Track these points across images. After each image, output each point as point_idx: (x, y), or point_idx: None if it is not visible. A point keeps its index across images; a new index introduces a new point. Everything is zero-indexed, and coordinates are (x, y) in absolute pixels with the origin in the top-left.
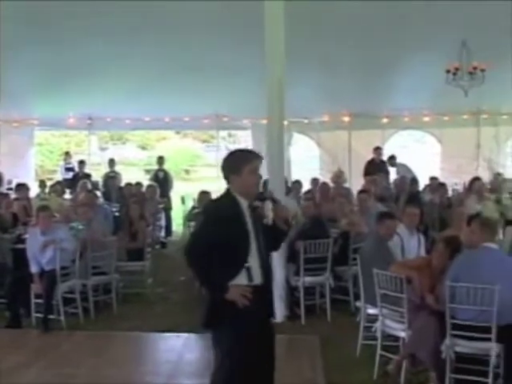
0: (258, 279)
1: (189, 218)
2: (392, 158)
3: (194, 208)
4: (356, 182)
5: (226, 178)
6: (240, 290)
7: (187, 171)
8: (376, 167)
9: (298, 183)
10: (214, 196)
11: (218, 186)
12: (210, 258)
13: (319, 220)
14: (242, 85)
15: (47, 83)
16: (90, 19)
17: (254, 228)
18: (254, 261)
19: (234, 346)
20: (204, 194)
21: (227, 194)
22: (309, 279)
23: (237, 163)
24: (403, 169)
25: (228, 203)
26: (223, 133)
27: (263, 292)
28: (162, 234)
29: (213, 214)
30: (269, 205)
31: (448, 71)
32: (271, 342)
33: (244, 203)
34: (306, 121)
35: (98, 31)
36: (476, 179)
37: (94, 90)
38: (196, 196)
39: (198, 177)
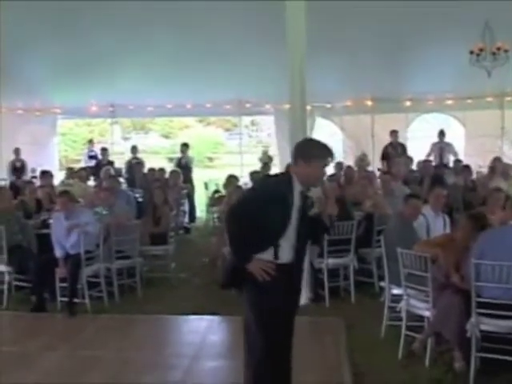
0: (285, 258)
1: (212, 203)
2: (441, 132)
3: (216, 192)
4: (379, 166)
5: (294, 159)
6: (262, 264)
7: (210, 159)
8: (394, 149)
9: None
10: (240, 182)
11: (240, 173)
12: (246, 225)
13: (343, 202)
14: (264, 70)
15: (69, 71)
16: (112, 7)
17: (299, 214)
18: (286, 242)
19: (256, 317)
20: (232, 178)
21: (286, 174)
22: (333, 261)
23: (311, 152)
24: (449, 148)
25: (283, 183)
26: (246, 120)
27: (289, 272)
28: (186, 219)
29: (265, 187)
30: (320, 198)
31: (471, 52)
32: (292, 322)
33: (298, 188)
34: (328, 105)
35: (119, 19)
36: (498, 159)
37: (116, 78)
38: (219, 182)
39: (221, 164)
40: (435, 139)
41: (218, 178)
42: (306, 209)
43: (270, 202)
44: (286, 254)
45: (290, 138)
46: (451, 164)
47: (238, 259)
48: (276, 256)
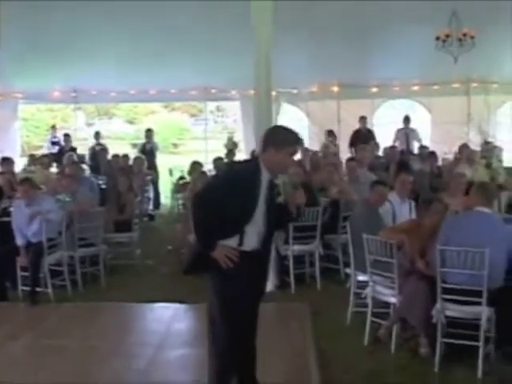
0: (250, 245)
1: (176, 189)
2: (407, 118)
3: (181, 178)
4: (345, 152)
5: (264, 146)
6: (226, 250)
7: (175, 145)
8: (362, 137)
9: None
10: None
11: (205, 159)
12: (211, 212)
13: (309, 188)
14: (230, 55)
15: (30, 55)
16: None
17: (266, 202)
18: (253, 229)
19: (219, 305)
20: (196, 165)
21: (254, 161)
22: (298, 248)
23: (281, 140)
24: (414, 134)
25: (250, 170)
26: (212, 106)
27: (254, 259)
28: (150, 206)
29: (231, 174)
30: (288, 186)
31: (438, 38)
32: (255, 310)
33: (266, 176)
34: (294, 91)
35: (82, 3)
36: (465, 145)
37: (79, 63)
38: (184, 168)
39: (186, 150)
40: (401, 125)
41: (183, 164)
42: (273, 197)
43: (236, 189)
44: (251, 241)
45: (255, 123)
46: (416, 150)
47: (202, 246)
48: (241, 243)
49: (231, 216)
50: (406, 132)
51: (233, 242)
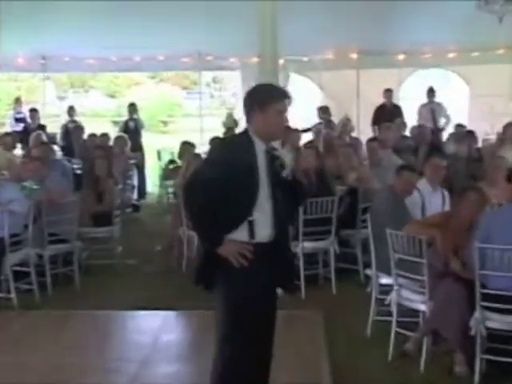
0: (264, 236)
1: (166, 175)
2: (431, 90)
3: (171, 162)
4: (366, 132)
5: (247, 114)
6: (236, 246)
7: (164, 122)
8: (387, 113)
9: (295, 132)
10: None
11: (200, 140)
12: (208, 199)
13: (322, 174)
14: (228, 16)
15: None
16: None
17: (269, 178)
18: (262, 215)
19: (230, 310)
20: (187, 145)
21: (243, 134)
22: (310, 245)
23: (262, 99)
24: (440, 109)
25: (241, 143)
26: (207, 76)
27: (272, 252)
28: (135, 195)
29: (222, 151)
30: (289, 154)
31: None
32: (273, 315)
33: (261, 147)
34: (305, 59)
35: None
36: (510, 124)
37: (49, 24)
38: (174, 150)
39: (178, 129)
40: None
41: (174, 145)
42: (276, 171)
43: (230, 166)
44: (263, 229)
45: None
46: (446, 130)
47: (205, 243)
48: (251, 234)
49: (232, 200)
50: (432, 107)
51: (242, 234)
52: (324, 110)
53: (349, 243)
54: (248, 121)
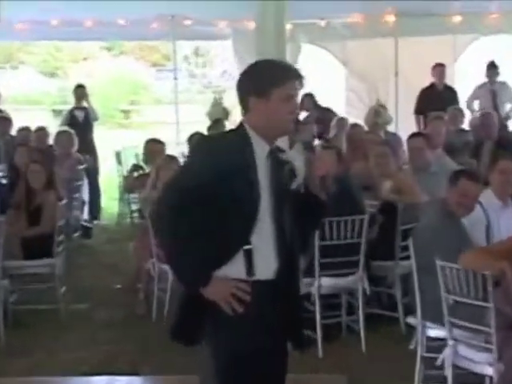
0: (266, 271)
1: (129, 186)
2: (493, 66)
3: (136, 168)
4: (407, 124)
5: (242, 102)
6: (228, 286)
7: (126, 113)
8: (437, 98)
9: (310, 127)
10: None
11: (176, 137)
12: (189, 224)
13: (346, 184)
14: None
15: None
16: None
17: (273, 191)
18: (263, 242)
19: (220, 374)
20: (156, 145)
21: (237, 130)
22: (329, 282)
23: (264, 81)
24: (504, 91)
25: (235, 143)
26: (185, 48)
27: (277, 293)
28: (85, 214)
29: (206, 154)
30: (301, 157)
31: None
32: (279, 381)
33: (262, 147)
34: (322, 23)
35: None
36: None
37: None
38: (140, 151)
39: (145, 121)
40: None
41: (139, 144)
42: (283, 182)
43: (218, 175)
44: (265, 262)
45: None
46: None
47: (184, 282)
48: (249, 268)
49: (222, 222)
50: (493, 89)
51: (235, 270)
52: (307, 98)
53: (384, 280)
54: (244, 111)
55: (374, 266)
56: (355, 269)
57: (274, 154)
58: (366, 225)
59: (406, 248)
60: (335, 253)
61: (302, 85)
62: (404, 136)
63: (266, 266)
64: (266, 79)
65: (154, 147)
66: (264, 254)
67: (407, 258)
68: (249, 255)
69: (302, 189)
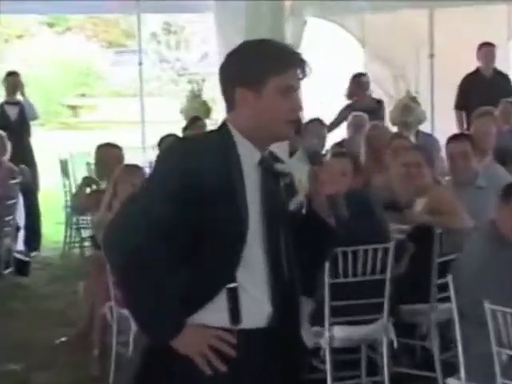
0: (256, 317)
1: (78, 206)
2: None
3: (88, 182)
4: (445, 122)
5: (227, 94)
6: (206, 336)
7: (75, 109)
8: (485, 89)
9: (317, 124)
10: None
11: (141, 140)
12: (155, 256)
13: (364, 203)
14: None
15: None
16: None
17: (263, 210)
18: (252, 279)
19: None
20: (109, 150)
21: (220, 131)
22: (344, 332)
23: (255, 67)
24: None
25: (217, 148)
26: (153, 24)
27: (271, 347)
28: (20, 244)
29: (180, 162)
30: (302, 167)
31: None
32: None
33: (250, 155)
34: None
35: None
36: None
37: None
38: (91, 160)
39: (99, 120)
40: None
41: (91, 150)
42: (279, 200)
43: (194, 190)
44: (254, 305)
45: None
46: None
47: (148, 331)
48: (234, 314)
49: (199, 252)
50: None
51: (216, 315)
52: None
53: (416, 329)
54: (228, 107)
55: (403, 310)
56: (378, 314)
57: (267, 164)
58: (392, 256)
59: (444, 287)
60: (351, 294)
61: (305, 74)
62: (442, 138)
63: (257, 310)
64: (259, 65)
65: (107, 154)
66: (253, 294)
67: (447, 299)
68: (233, 296)
69: (304, 210)
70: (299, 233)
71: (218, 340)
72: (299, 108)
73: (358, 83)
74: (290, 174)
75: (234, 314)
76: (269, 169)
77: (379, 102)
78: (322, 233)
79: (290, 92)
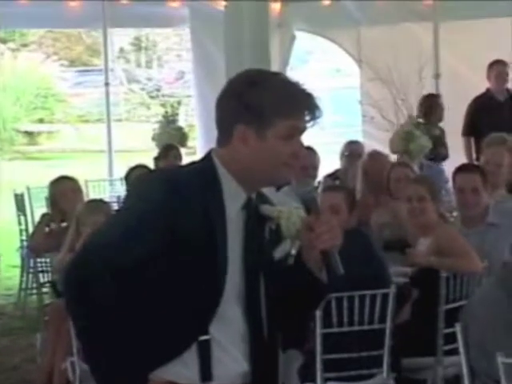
0: (230, 375)
1: (36, 246)
2: None
3: (47, 219)
4: (452, 149)
5: (224, 128)
6: None
7: (31, 136)
8: (496, 113)
9: (309, 153)
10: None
11: (108, 172)
12: (118, 305)
13: (361, 242)
14: None
15: None
16: None
17: (244, 258)
18: (227, 332)
19: None
20: (67, 183)
21: (204, 165)
22: None
23: (264, 105)
24: None
25: (197, 185)
26: (121, 37)
27: None
28: None
29: (152, 199)
30: (295, 211)
31: None
32: None
33: (235, 196)
34: (326, 2)
35: None
36: None
37: None
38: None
39: (60, 149)
40: None
41: (46, 181)
42: (263, 248)
43: (166, 232)
44: (229, 362)
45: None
46: None
47: None
48: (205, 370)
49: (167, 301)
50: None
51: (185, 370)
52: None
53: None
54: (222, 140)
55: (406, 364)
56: (377, 369)
57: (254, 206)
58: (393, 303)
59: (452, 337)
60: (347, 345)
61: (315, 119)
62: (449, 168)
63: (231, 367)
64: (269, 104)
65: (61, 189)
66: (228, 348)
67: (454, 351)
68: (205, 350)
69: (292, 260)
70: (284, 283)
71: None
72: (301, 153)
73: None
74: (276, 219)
75: (205, 370)
76: (254, 212)
77: None
78: (310, 288)
79: (296, 136)
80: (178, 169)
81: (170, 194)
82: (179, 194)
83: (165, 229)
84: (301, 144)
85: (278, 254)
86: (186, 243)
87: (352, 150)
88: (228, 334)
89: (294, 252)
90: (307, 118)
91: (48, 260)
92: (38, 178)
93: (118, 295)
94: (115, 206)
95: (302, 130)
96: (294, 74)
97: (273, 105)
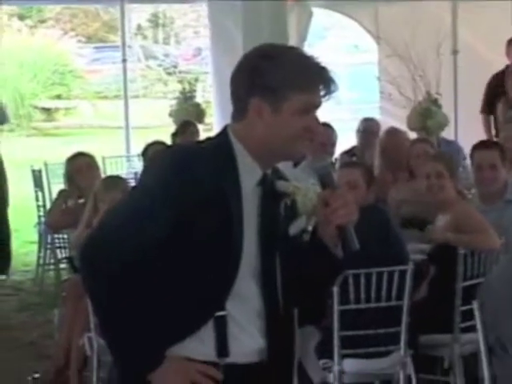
0: (246, 351)
1: (53, 222)
2: None
3: (64, 195)
4: (470, 127)
5: (239, 102)
6: (190, 370)
7: (49, 112)
8: None
9: (326, 129)
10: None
11: (125, 148)
12: (134, 281)
13: (379, 219)
14: None
15: None
16: None
17: (260, 234)
18: (243, 308)
19: None
20: (84, 160)
21: (219, 141)
22: (355, 365)
23: (279, 78)
24: None
25: (213, 160)
26: (138, 14)
27: (263, 383)
28: None
29: (167, 175)
30: (312, 187)
31: None
32: None
33: (251, 171)
34: None
35: None
36: None
37: None
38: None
39: (77, 125)
40: None
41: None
42: (279, 223)
43: (182, 208)
44: (245, 338)
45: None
46: None
47: (124, 362)
48: (222, 346)
49: (183, 277)
50: None
51: (202, 346)
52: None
53: (437, 363)
54: (237, 115)
55: (423, 341)
56: (394, 346)
57: (270, 182)
58: (410, 280)
59: (469, 314)
60: (364, 322)
61: (330, 93)
62: (466, 146)
63: (247, 343)
64: (284, 77)
65: (76, 165)
66: (244, 325)
67: (472, 329)
68: (221, 326)
69: (307, 236)
70: (299, 259)
71: (201, 375)
72: (317, 128)
73: None
74: (291, 195)
75: (221, 345)
76: (270, 188)
77: None
78: (325, 263)
79: (311, 111)
80: (194, 145)
81: (171, 173)
82: (192, 171)
83: (178, 207)
84: (316, 119)
85: (294, 229)
86: (200, 221)
87: (367, 127)
88: (244, 311)
89: (309, 228)
90: (322, 92)
91: (65, 236)
92: (55, 154)
93: (134, 272)
94: (132, 183)
95: (317, 104)
96: (311, 50)
97: (287, 78)
